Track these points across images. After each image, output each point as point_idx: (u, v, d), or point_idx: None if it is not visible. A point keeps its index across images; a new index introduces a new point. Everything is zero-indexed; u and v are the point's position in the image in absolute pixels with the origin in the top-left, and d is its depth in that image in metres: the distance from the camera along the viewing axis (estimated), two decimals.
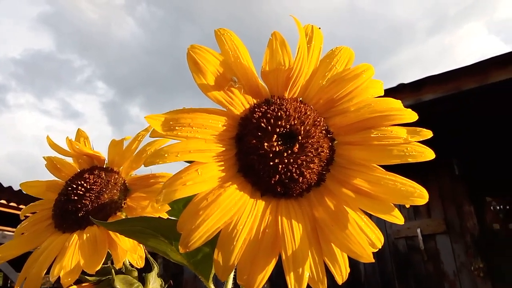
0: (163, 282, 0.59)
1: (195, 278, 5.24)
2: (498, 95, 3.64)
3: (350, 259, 0.42)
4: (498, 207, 4.23)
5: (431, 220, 4.39)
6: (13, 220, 5.50)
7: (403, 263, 4.44)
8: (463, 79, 3.63)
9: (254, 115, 0.44)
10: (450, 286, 4.14)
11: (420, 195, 0.40)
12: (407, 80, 3.87)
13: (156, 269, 0.59)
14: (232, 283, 0.59)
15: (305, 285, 0.38)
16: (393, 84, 3.98)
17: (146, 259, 0.58)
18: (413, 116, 0.45)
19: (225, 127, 0.43)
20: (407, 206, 0.42)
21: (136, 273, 0.59)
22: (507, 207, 4.19)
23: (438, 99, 3.68)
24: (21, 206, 5.46)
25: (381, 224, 4.59)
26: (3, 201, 5.31)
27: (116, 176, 0.65)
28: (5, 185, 5.25)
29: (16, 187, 5.38)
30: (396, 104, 0.46)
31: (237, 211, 0.40)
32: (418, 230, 4.37)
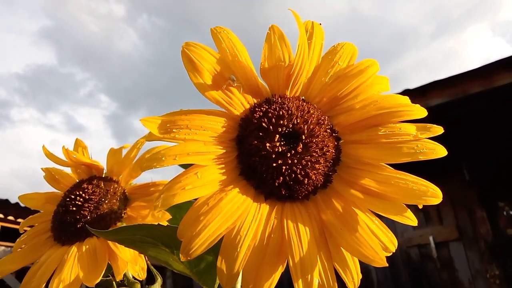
0: None
1: None
2: (505, 98, 3.59)
3: (361, 266, 0.39)
4: (511, 212, 4.13)
5: (443, 227, 4.30)
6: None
7: (416, 272, 4.34)
8: (469, 83, 3.59)
9: (255, 115, 0.42)
10: None
11: (433, 194, 0.38)
12: (413, 84, 3.85)
13: (159, 281, 0.56)
14: None
15: None
16: (399, 89, 3.93)
17: (149, 270, 0.56)
18: (422, 112, 0.43)
19: (224, 129, 0.42)
20: (420, 206, 0.39)
21: (139, 286, 0.57)
22: None
23: (444, 104, 3.64)
24: None
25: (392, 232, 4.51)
26: (10, 217, 5.32)
27: (115, 185, 0.63)
28: (12, 201, 5.26)
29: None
30: (403, 100, 0.44)
31: (240, 215, 0.38)
32: (431, 238, 4.27)
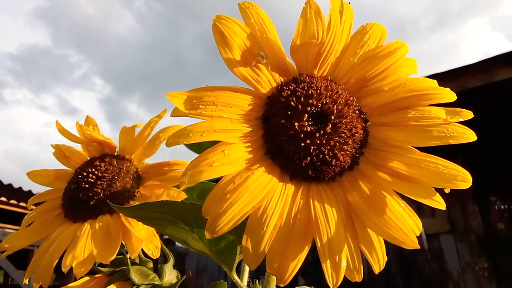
0: (179, 274, 0.57)
1: (197, 276, 5.21)
2: (504, 93, 3.61)
3: None
4: (502, 207, 4.20)
5: (435, 219, 4.35)
6: (13, 218, 5.47)
7: (407, 263, 4.41)
8: (468, 77, 3.60)
9: (283, 93, 0.41)
10: (455, 286, 4.11)
11: (463, 178, 0.37)
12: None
13: (172, 260, 0.56)
14: (248, 275, 0.56)
15: (342, 274, 0.35)
16: None
17: (161, 249, 0.56)
18: (452, 96, 0.42)
19: (251, 107, 0.41)
20: (447, 190, 0.39)
21: (151, 264, 0.56)
22: None
23: None
24: (21, 204, 5.44)
25: None
26: (3, 199, 5.28)
27: (128, 163, 0.62)
28: (5, 182, 5.22)
29: (15, 185, 5.35)
30: (432, 83, 0.43)
31: (266, 195, 0.37)
32: (422, 230, 4.34)
